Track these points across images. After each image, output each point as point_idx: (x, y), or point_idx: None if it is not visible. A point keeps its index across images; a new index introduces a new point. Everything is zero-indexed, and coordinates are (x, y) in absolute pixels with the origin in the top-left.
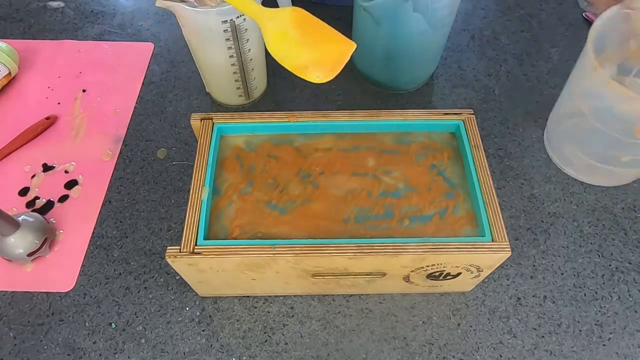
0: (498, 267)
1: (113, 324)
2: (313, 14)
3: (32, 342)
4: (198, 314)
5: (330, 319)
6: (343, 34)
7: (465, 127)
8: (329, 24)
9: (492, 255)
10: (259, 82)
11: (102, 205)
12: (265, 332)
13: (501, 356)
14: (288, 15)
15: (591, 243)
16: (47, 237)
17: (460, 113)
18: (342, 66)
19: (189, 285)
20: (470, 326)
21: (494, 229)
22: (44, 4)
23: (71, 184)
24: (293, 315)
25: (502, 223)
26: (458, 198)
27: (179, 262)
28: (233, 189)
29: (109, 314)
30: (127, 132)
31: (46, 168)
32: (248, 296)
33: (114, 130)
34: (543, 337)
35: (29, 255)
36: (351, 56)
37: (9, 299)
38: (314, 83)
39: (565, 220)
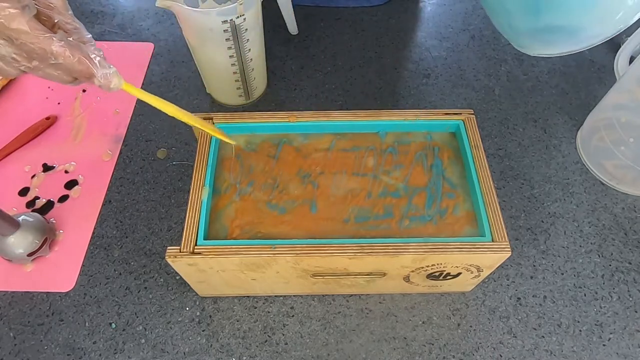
0: (498, 267)
1: (113, 324)
2: (312, 16)
3: (32, 342)
4: (198, 314)
5: (330, 319)
6: (343, 34)
7: (465, 127)
8: (328, 25)
9: (492, 255)
10: (259, 82)
11: (102, 205)
12: (265, 332)
13: (501, 356)
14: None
15: (591, 243)
16: (47, 237)
17: (460, 113)
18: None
19: (189, 285)
20: (470, 326)
21: (494, 229)
22: None
23: (71, 184)
24: (293, 315)
25: (502, 223)
26: (458, 198)
27: (179, 262)
28: (233, 189)
29: (109, 314)
30: (127, 132)
31: (46, 168)
32: (248, 296)
33: (114, 130)
34: (543, 337)
35: (29, 255)
36: None
37: (9, 299)
38: (314, 83)
39: (565, 220)
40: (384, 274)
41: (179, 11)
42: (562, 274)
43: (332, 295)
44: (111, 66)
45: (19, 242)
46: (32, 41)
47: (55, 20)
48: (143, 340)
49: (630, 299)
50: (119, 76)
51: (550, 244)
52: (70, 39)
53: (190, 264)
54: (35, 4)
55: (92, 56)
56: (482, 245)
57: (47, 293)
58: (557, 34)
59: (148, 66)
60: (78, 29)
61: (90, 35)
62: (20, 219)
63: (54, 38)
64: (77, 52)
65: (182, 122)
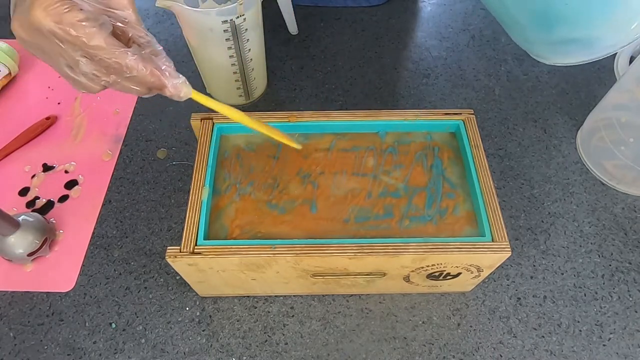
0: (498, 267)
1: (113, 324)
2: (312, 16)
3: (32, 342)
4: (198, 314)
5: (330, 319)
6: (343, 34)
7: (465, 127)
8: (328, 25)
9: (492, 255)
10: (259, 82)
11: (102, 205)
12: (265, 332)
13: (501, 356)
14: None
15: (591, 243)
16: (47, 237)
17: (460, 113)
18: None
19: (189, 285)
20: (470, 326)
21: (494, 229)
22: None
23: (71, 184)
24: (293, 315)
25: (502, 223)
26: (458, 198)
27: (179, 262)
28: (233, 189)
29: (109, 314)
30: (127, 132)
31: (46, 168)
32: (248, 296)
33: (114, 130)
34: (543, 337)
35: (29, 255)
36: None
37: (9, 299)
38: (314, 83)
39: (565, 220)
40: (384, 274)
41: (179, 11)
42: (562, 274)
43: (332, 295)
44: (180, 76)
45: (19, 242)
46: (109, 56)
47: (130, 35)
48: (143, 340)
49: (630, 299)
50: (188, 85)
51: (550, 244)
52: (143, 52)
53: (190, 264)
54: (111, 20)
55: (163, 68)
56: (482, 245)
57: (47, 293)
58: (573, 45)
59: None
60: (150, 42)
61: (161, 48)
62: (20, 219)
63: (128, 52)
64: (149, 65)
65: (183, 122)
